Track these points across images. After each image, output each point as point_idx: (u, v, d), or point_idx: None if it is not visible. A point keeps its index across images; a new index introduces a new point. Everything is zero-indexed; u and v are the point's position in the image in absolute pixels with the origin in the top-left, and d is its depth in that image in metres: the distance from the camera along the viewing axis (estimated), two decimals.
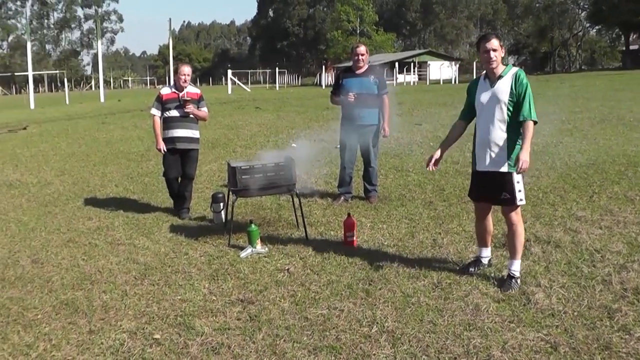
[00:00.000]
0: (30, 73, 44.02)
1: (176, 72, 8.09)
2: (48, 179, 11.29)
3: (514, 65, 5.29)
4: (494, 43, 4.97)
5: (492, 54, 4.97)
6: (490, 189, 5.15)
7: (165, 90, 8.11)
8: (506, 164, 5.01)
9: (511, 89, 4.95)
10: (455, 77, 62.45)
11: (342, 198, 8.41)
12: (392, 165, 10.85)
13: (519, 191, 5.04)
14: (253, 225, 6.36)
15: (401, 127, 15.78)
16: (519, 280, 5.13)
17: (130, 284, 5.57)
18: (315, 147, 12.25)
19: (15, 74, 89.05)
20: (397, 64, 66.50)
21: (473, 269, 5.47)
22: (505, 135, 4.99)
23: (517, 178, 5.03)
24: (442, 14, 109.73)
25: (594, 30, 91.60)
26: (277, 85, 67.01)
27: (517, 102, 4.96)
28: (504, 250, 5.95)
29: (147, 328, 4.61)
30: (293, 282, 5.43)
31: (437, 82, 61.29)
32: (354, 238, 6.48)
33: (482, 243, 5.58)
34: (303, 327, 4.51)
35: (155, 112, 8.11)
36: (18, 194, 10.00)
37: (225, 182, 9.40)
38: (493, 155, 5.05)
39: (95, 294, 5.35)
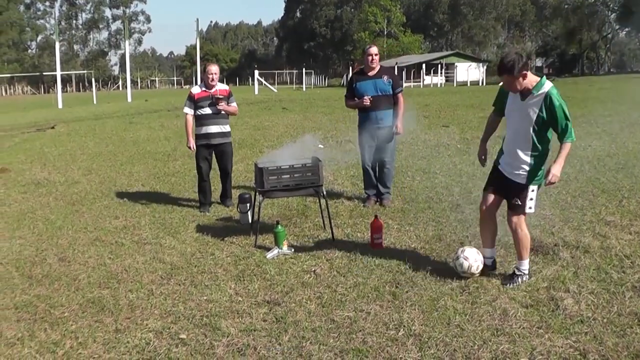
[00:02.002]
0: (58, 73, 44.47)
1: (204, 71, 8.20)
2: (75, 178, 11.39)
3: (545, 74, 5.17)
4: (508, 79, 4.82)
5: (513, 84, 4.86)
6: (506, 188, 5.22)
7: (196, 90, 8.33)
8: (526, 177, 5.07)
9: (540, 112, 4.86)
10: (483, 79, 62.09)
11: (373, 200, 8.37)
12: (419, 167, 10.79)
13: (530, 199, 5.12)
14: (279, 226, 6.35)
15: (428, 129, 15.72)
16: (524, 278, 5.22)
17: (157, 284, 5.59)
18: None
19: (44, 73, 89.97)
20: (424, 65, 66.28)
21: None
22: (529, 152, 5.03)
23: (532, 188, 5.09)
24: (470, 15, 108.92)
25: (624, 33, 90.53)
26: (303, 86, 66.88)
27: (545, 124, 4.92)
28: (534, 256, 5.88)
29: (173, 328, 4.62)
30: (319, 284, 5.41)
31: (464, 83, 60.95)
32: (381, 240, 6.45)
33: (487, 243, 5.54)
34: (329, 330, 4.49)
35: (188, 110, 8.34)
36: (46, 193, 10.10)
37: (252, 182, 9.42)
38: (516, 165, 5.11)
39: (121, 293, 5.38)
